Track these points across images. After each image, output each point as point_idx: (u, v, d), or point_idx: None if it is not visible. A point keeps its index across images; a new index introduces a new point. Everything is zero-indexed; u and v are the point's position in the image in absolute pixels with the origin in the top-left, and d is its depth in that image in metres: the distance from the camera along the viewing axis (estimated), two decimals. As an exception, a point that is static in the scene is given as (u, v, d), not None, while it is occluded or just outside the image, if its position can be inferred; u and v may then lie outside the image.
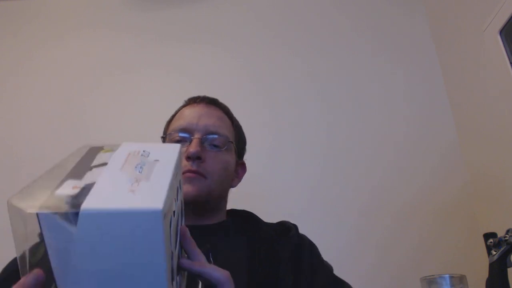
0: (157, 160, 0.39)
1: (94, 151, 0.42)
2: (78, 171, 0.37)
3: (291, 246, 0.76)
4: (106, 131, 1.37)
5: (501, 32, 1.05)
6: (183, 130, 0.81)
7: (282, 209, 1.25)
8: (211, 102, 0.88)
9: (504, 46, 1.05)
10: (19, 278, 0.33)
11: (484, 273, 0.84)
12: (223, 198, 0.85)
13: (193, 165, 0.76)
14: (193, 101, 0.88)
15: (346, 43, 1.48)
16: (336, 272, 0.81)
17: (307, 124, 1.37)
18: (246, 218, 0.86)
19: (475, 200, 1.25)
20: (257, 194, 1.26)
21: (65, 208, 0.31)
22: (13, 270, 0.55)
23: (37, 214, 0.30)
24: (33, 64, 1.47)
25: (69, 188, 0.33)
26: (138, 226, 0.31)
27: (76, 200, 0.31)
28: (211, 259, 0.70)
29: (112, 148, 0.42)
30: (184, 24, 1.52)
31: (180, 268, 0.44)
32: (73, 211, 0.30)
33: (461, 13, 1.29)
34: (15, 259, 0.41)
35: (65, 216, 0.30)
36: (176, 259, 0.42)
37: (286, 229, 0.81)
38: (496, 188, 1.16)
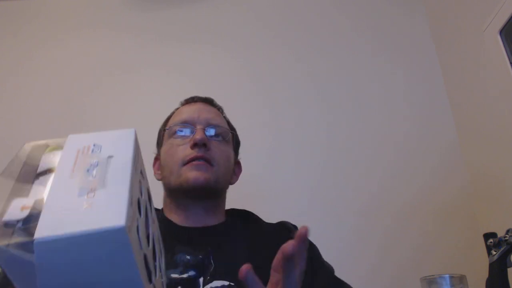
0: (111, 156, 0.35)
1: (38, 150, 0.37)
2: (23, 184, 0.33)
3: None
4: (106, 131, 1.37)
5: (501, 32, 1.05)
6: (185, 122, 0.83)
7: (282, 209, 1.25)
8: (208, 101, 0.91)
9: (504, 46, 1.05)
10: None
11: (484, 273, 0.84)
12: (224, 192, 0.86)
13: (200, 151, 0.77)
14: (190, 100, 0.91)
15: (346, 43, 1.48)
16: (336, 272, 0.81)
17: (307, 124, 1.37)
18: (246, 218, 0.86)
19: (475, 200, 1.25)
20: (257, 194, 1.26)
21: (17, 239, 0.28)
22: None
23: None
24: (33, 64, 1.47)
25: (18, 210, 0.30)
26: (102, 246, 0.28)
27: (28, 226, 0.28)
28: (212, 261, 0.70)
29: (58, 145, 0.37)
30: (184, 24, 1.52)
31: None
32: (27, 241, 0.28)
33: (461, 13, 1.29)
34: None
35: (20, 246, 0.28)
36: (152, 252, 0.38)
37: (287, 230, 0.81)
38: (496, 188, 1.16)
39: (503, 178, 1.13)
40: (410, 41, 1.47)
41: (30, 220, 0.29)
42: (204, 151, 0.77)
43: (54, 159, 0.36)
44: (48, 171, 0.34)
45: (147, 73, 1.45)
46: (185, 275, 0.68)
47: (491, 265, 0.82)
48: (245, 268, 0.47)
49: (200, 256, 0.71)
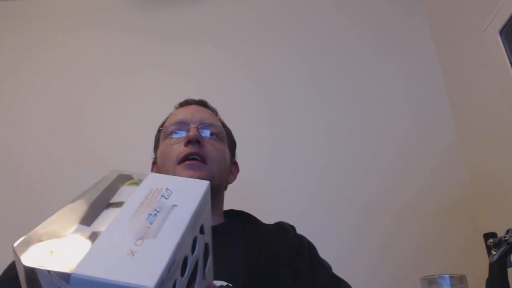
0: (176, 206, 0.37)
1: (120, 180, 0.41)
2: (94, 211, 0.36)
3: (290, 247, 0.77)
4: (106, 131, 1.37)
5: (501, 32, 1.05)
6: (179, 122, 0.84)
7: (282, 209, 1.25)
8: (202, 103, 0.92)
9: (504, 46, 1.05)
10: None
11: (484, 273, 0.84)
12: (222, 191, 0.86)
13: (194, 148, 0.77)
14: (184, 103, 0.92)
15: (346, 43, 1.48)
16: (337, 272, 0.81)
17: (307, 124, 1.37)
18: (244, 219, 0.86)
19: (475, 200, 1.25)
20: (257, 194, 1.26)
21: (58, 266, 0.30)
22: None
23: (34, 269, 0.30)
24: (33, 64, 1.47)
25: (74, 237, 0.33)
26: None
27: (74, 255, 0.31)
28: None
29: (138, 180, 0.40)
30: (184, 24, 1.52)
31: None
32: (66, 272, 0.30)
33: (461, 13, 1.29)
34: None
35: (60, 274, 0.30)
36: None
37: (285, 230, 0.81)
38: (496, 188, 1.16)
39: (503, 178, 1.13)
40: (410, 41, 1.47)
41: (80, 252, 0.31)
42: (198, 148, 0.78)
43: (129, 193, 0.38)
44: (119, 204, 0.37)
45: (147, 73, 1.45)
46: None
47: (491, 265, 0.82)
48: None
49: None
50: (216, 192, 0.83)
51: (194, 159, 0.77)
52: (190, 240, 0.37)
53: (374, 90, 1.41)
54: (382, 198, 1.27)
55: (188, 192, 0.40)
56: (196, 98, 0.95)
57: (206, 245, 0.44)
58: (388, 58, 1.45)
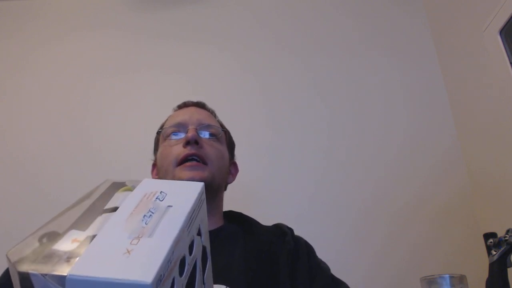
0: (170, 206, 0.37)
1: (114, 188, 0.40)
2: (88, 217, 0.35)
3: (288, 250, 0.77)
4: (106, 132, 1.37)
5: (501, 32, 1.05)
6: (177, 124, 0.85)
7: (281, 209, 1.25)
8: (200, 105, 0.93)
9: (504, 46, 1.05)
10: None
11: (484, 273, 0.84)
12: (221, 192, 0.86)
13: (192, 149, 0.77)
14: (183, 105, 0.93)
15: (346, 43, 1.48)
16: (336, 272, 0.81)
17: (307, 124, 1.37)
18: (243, 222, 0.86)
19: (475, 200, 1.25)
20: (256, 194, 1.27)
21: (53, 270, 0.30)
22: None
23: (29, 274, 0.30)
24: (33, 64, 1.47)
25: (69, 242, 0.33)
26: None
27: (69, 258, 0.31)
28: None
29: (132, 186, 0.40)
30: (184, 24, 1.52)
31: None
32: (61, 275, 0.29)
33: (461, 13, 1.29)
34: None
35: (55, 278, 0.29)
36: None
37: (283, 233, 0.81)
38: (496, 188, 1.16)
39: (503, 178, 1.13)
40: (410, 41, 1.47)
41: (75, 255, 0.31)
42: (196, 149, 0.78)
43: (122, 199, 0.38)
44: (113, 209, 0.36)
45: (148, 74, 1.45)
46: None
47: (491, 265, 0.82)
48: None
49: None
50: (215, 193, 0.83)
51: (194, 159, 0.78)
52: (187, 239, 0.37)
53: (374, 90, 1.41)
54: (382, 198, 1.27)
55: (182, 193, 0.39)
56: (196, 98, 0.95)
57: (204, 248, 0.43)
58: (388, 58, 1.45)
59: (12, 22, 1.53)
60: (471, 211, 1.25)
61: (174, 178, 0.77)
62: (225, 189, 0.90)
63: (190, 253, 0.38)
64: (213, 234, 0.79)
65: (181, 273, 0.35)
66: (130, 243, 0.32)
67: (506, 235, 0.81)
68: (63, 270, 0.29)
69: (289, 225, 0.85)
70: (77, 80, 1.44)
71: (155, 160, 0.89)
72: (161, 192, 0.38)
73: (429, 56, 1.44)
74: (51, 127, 1.38)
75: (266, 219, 0.88)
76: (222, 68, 1.45)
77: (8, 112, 1.40)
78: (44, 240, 0.33)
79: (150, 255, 0.31)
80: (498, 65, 1.08)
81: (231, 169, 0.91)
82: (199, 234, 0.41)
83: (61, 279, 0.29)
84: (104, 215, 0.36)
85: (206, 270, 0.43)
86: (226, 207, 0.90)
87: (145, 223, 0.34)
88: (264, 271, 0.72)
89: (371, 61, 1.45)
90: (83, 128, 1.38)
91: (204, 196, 0.42)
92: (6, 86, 1.44)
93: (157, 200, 0.37)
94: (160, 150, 0.85)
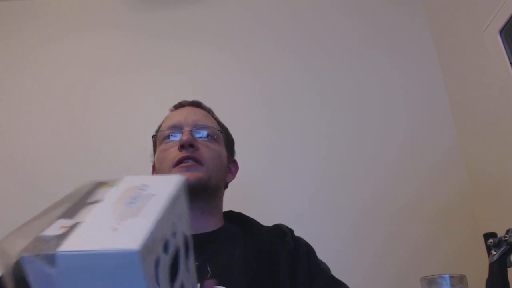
0: (153, 195, 0.38)
1: (97, 186, 0.42)
2: (73, 210, 0.37)
3: (288, 250, 0.77)
4: (106, 132, 1.37)
5: (501, 32, 1.05)
6: (173, 126, 0.84)
7: (281, 209, 1.25)
8: (195, 104, 0.92)
9: (504, 46, 1.05)
10: None
11: (484, 273, 0.84)
12: (221, 192, 0.86)
13: (187, 152, 0.78)
14: (178, 105, 0.92)
15: (346, 43, 1.48)
16: (336, 272, 0.81)
17: (307, 125, 1.37)
18: (243, 222, 0.86)
19: (475, 200, 1.25)
20: (256, 194, 1.27)
21: (45, 250, 0.30)
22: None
23: (20, 257, 0.30)
24: (33, 64, 1.47)
25: (57, 228, 0.33)
26: (116, 267, 0.30)
27: (58, 241, 0.31)
28: (209, 268, 0.70)
29: (114, 183, 0.41)
30: (184, 24, 1.52)
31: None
32: (51, 253, 0.30)
33: (461, 13, 1.29)
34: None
35: (45, 257, 0.30)
36: None
37: (283, 234, 0.81)
38: (496, 188, 1.16)
39: (503, 178, 1.13)
40: (410, 41, 1.47)
41: (62, 238, 0.32)
42: (191, 151, 0.78)
43: (105, 193, 0.39)
44: (97, 202, 0.38)
45: (148, 74, 1.45)
46: None
47: (491, 265, 0.82)
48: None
49: (197, 263, 0.71)
50: (214, 192, 0.83)
51: (190, 160, 0.78)
52: (169, 224, 0.38)
53: (374, 90, 1.41)
54: (382, 198, 1.27)
55: (163, 185, 0.41)
56: (196, 98, 0.94)
57: (186, 237, 0.44)
58: (388, 58, 1.45)
59: (12, 22, 1.53)
60: (471, 211, 1.25)
61: None
62: (226, 187, 0.90)
63: (174, 237, 0.39)
64: (213, 234, 0.80)
65: (165, 252, 0.37)
66: (117, 223, 0.33)
67: (506, 235, 0.82)
68: (53, 250, 0.30)
69: (289, 225, 0.85)
70: (77, 80, 1.44)
71: (155, 162, 0.89)
72: (143, 185, 0.40)
73: (429, 56, 1.44)
74: (51, 127, 1.38)
75: (266, 219, 0.88)
76: (222, 68, 1.45)
77: (8, 112, 1.40)
78: (32, 229, 0.33)
79: (136, 230, 0.32)
80: (498, 65, 1.08)
81: (231, 167, 0.91)
82: (181, 224, 0.43)
83: (52, 258, 0.30)
84: (90, 206, 0.37)
85: (189, 257, 0.44)
86: (226, 207, 0.90)
87: (130, 208, 0.36)
88: (264, 271, 0.72)
89: (371, 61, 1.45)
90: (83, 128, 1.37)
91: (184, 188, 0.44)
92: (6, 86, 1.44)
93: (140, 190, 0.39)
94: (157, 153, 0.86)
